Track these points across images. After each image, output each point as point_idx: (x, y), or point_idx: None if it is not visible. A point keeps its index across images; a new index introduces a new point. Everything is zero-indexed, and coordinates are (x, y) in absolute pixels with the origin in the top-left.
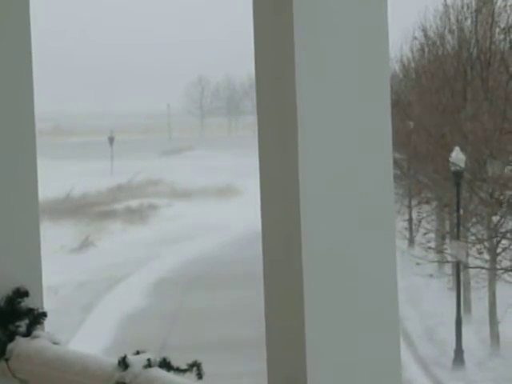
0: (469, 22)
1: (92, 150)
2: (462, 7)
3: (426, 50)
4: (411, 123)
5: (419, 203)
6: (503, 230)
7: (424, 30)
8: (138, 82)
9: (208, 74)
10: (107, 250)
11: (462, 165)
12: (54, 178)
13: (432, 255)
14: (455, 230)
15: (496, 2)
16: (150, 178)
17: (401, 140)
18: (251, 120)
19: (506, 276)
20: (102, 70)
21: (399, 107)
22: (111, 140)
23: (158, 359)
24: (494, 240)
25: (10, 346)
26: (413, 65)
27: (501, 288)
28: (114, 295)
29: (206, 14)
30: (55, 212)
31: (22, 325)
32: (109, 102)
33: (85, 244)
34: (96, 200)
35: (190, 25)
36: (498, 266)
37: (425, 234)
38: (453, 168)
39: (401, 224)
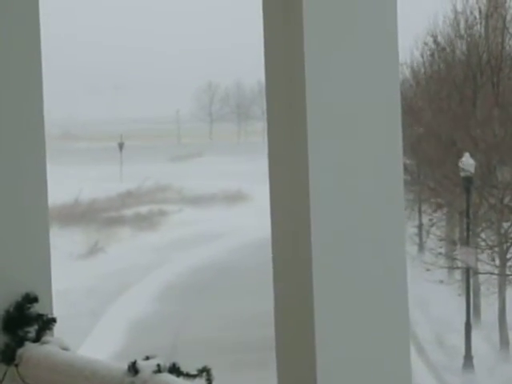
0: (479, 27)
1: (102, 155)
2: (472, 13)
3: (436, 55)
4: (421, 129)
5: (430, 209)
6: None
7: (434, 36)
8: (148, 88)
9: (217, 79)
10: (116, 256)
11: (472, 170)
12: (63, 184)
13: (442, 261)
14: (465, 235)
15: (509, 7)
16: (159, 184)
17: (411, 145)
18: (261, 126)
19: None
20: (112, 76)
21: (409, 113)
22: (121, 146)
23: (168, 365)
24: (504, 246)
25: (20, 351)
26: (423, 70)
27: (511, 293)
28: (123, 301)
29: (216, 19)
30: (64, 218)
31: (32, 330)
32: (119, 107)
33: (94, 250)
34: (105, 206)
35: (200, 30)
36: (509, 272)
37: (438, 240)
38: (463, 174)
39: (411, 230)
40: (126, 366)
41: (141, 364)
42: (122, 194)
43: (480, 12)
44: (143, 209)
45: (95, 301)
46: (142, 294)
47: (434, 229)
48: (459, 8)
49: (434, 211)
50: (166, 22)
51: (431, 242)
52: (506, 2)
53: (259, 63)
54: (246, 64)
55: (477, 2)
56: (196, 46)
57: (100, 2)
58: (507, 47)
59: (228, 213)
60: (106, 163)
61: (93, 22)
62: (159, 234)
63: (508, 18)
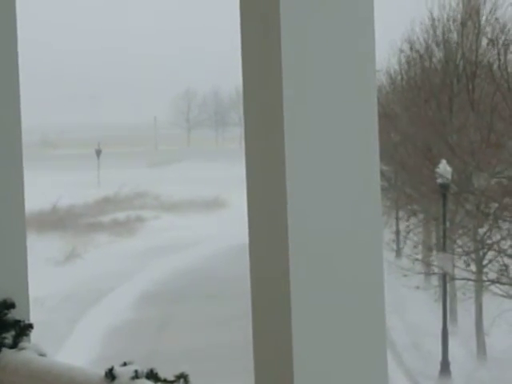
0: (455, 34)
1: (79, 162)
2: (448, 20)
3: (413, 62)
4: (398, 135)
5: (407, 216)
6: (489, 241)
7: (411, 43)
8: (125, 95)
9: (195, 86)
10: (94, 262)
11: (449, 177)
12: (40, 191)
13: (419, 267)
14: (442, 241)
15: (482, 15)
16: (136, 191)
17: (388, 152)
18: (238, 132)
19: (492, 288)
20: (89, 82)
21: (386, 119)
22: (98, 152)
23: (145, 370)
24: (481, 252)
25: None
26: (400, 77)
27: (487, 300)
28: (100, 307)
29: (194, 26)
30: (42, 224)
31: (9, 336)
32: (96, 114)
33: (71, 256)
34: (83, 212)
35: (178, 38)
36: (485, 278)
37: (414, 246)
38: (439, 180)
39: (388, 236)
40: (103, 373)
41: (118, 370)
42: (100, 201)
43: (456, 19)
44: (121, 215)
45: (72, 307)
46: (120, 300)
47: (410, 235)
48: (436, 15)
49: (411, 217)
50: (143, 29)
51: (408, 248)
52: (480, 10)
53: (237, 69)
54: (224, 70)
55: (453, 10)
56: (173, 51)
57: (75, 4)
58: (483, 54)
59: (206, 219)
60: (83, 170)
61: (70, 30)
62: (137, 240)
63: (483, 25)
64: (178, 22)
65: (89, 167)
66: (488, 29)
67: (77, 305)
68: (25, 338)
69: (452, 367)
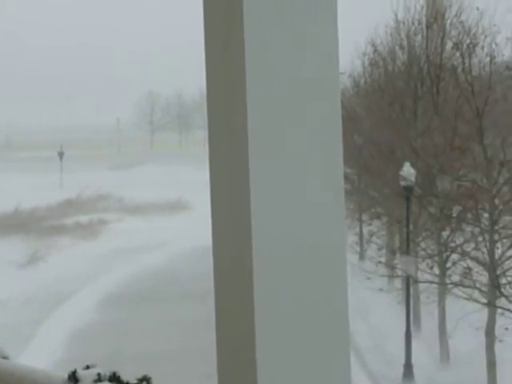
0: (419, 37)
1: (42, 164)
2: (413, 23)
3: (377, 65)
4: (362, 138)
5: (371, 218)
6: (453, 244)
7: (375, 46)
8: (88, 96)
9: (158, 88)
10: (57, 264)
11: (413, 180)
12: (3, 193)
13: (382, 269)
14: (405, 244)
15: (447, 18)
16: (99, 193)
17: (352, 155)
18: (202, 135)
19: (456, 290)
20: (52, 84)
21: (350, 122)
22: (61, 155)
23: (108, 373)
24: (444, 255)
25: None
26: (364, 80)
27: (451, 303)
28: (63, 310)
29: (157, 28)
30: (4, 227)
31: None
32: (59, 116)
33: (34, 259)
34: (46, 215)
35: (141, 39)
36: (448, 281)
37: (378, 249)
38: (403, 183)
39: (351, 238)
40: (66, 375)
41: (81, 373)
42: (63, 203)
43: (421, 22)
44: (83, 218)
45: (35, 310)
46: (83, 302)
47: (374, 238)
48: (400, 18)
49: (375, 220)
50: (105, 30)
51: (371, 250)
52: (445, 13)
53: (201, 72)
54: (187, 73)
55: (418, 13)
56: (136, 53)
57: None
58: (448, 57)
59: (169, 222)
60: (46, 172)
61: (32, 33)
62: (100, 243)
63: (447, 28)
64: (143, 22)
65: (51, 170)
66: (453, 32)
67: (39, 307)
68: None
69: (415, 370)
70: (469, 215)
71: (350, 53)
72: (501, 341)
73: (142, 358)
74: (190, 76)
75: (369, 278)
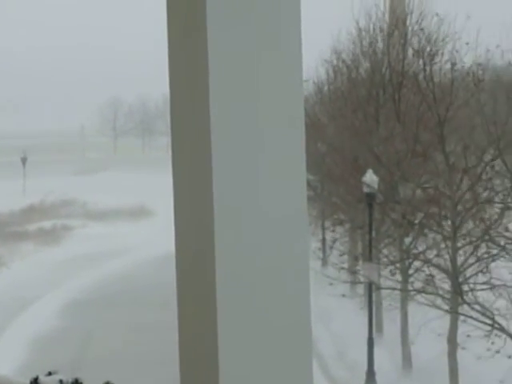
0: (381, 44)
1: (4, 170)
2: (375, 30)
3: (340, 72)
4: (325, 145)
5: (333, 225)
6: (415, 251)
7: (337, 53)
8: (52, 102)
9: (121, 94)
10: (20, 271)
11: (375, 186)
12: None
13: (345, 276)
14: (367, 251)
15: (409, 25)
16: (63, 199)
17: (315, 162)
18: (165, 141)
19: (418, 297)
20: (16, 88)
21: (313, 129)
22: (24, 160)
23: (70, 380)
24: (406, 261)
25: None
26: (327, 87)
27: (413, 309)
28: (26, 316)
29: (122, 34)
30: None
31: None
32: (22, 121)
33: None
34: (8, 220)
35: (104, 45)
36: (410, 287)
37: (340, 255)
38: (366, 190)
39: (314, 245)
40: (27, 382)
41: (43, 379)
42: (26, 209)
43: (382, 29)
44: (47, 223)
45: None
46: (46, 309)
47: (337, 244)
48: (362, 25)
49: (337, 226)
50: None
51: (334, 256)
52: (407, 20)
53: (164, 77)
54: (151, 78)
55: (380, 20)
56: (101, 65)
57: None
58: (409, 64)
59: (132, 228)
60: (8, 178)
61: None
62: (63, 248)
63: (409, 35)
64: (105, 30)
65: (14, 175)
66: (414, 39)
67: (2, 313)
68: None
69: (378, 377)
70: (431, 222)
71: (313, 60)
72: (463, 348)
73: (103, 363)
74: (153, 81)
75: (331, 284)
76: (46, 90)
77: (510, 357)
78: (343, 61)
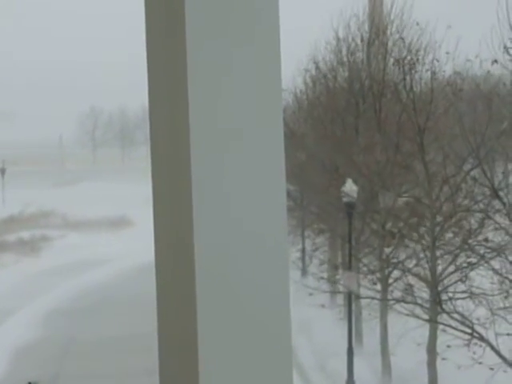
0: (361, 54)
1: None
2: (354, 39)
3: (318, 82)
4: (305, 155)
5: (313, 234)
6: (395, 260)
7: (316, 63)
8: (31, 112)
9: (100, 104)
10: None
11: (355, 196)
12: None
13: (325, 285)
14: (347, 260)
15: (391, 34)
16: (42, 210)
17: (294, 172)
18: (144, 151)
19: (397, 307)
20: None
21: (293, 139)
22: (3, 171)
23: None
24: (386, 271)
25: None
26: (305, 97)
27: (393, 319)
28: (5, 327)
29: (101, 44)
30: None
31: None
32: (0, 131)
33: None
34: None
35: (85, 55)
36: (390, 297)
37: (320, 265)
38: (345, 199)
39: (294, 254)
40: None
41: None
42: (5, 219)
43: (362, 39)
44: (26, 234)
45: None
46: (25, 319)
47: (316, 253)
48: (341, 35)
49: (317, 236)
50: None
51: (314, 266)
52: (387, 29)
53: (143, 87)
54: (130, 88)
55: (359, 29)
56: (79, 73)
57: None
58: (390, 73)
59: (112, 238)
60: None
61: None
62: (42, 259)
63: (389, 44)
64: (85, 41)
65: None
66: (394, 48)
67: None
68: None
69: None
70: (411, 231)
71: (291, 69)
72: (443, 359)
73: (84, 373)
74: (132, 91)
75: (311, 294)
76: (24, 101)
77: (491, 368)
78: (321, 70)
